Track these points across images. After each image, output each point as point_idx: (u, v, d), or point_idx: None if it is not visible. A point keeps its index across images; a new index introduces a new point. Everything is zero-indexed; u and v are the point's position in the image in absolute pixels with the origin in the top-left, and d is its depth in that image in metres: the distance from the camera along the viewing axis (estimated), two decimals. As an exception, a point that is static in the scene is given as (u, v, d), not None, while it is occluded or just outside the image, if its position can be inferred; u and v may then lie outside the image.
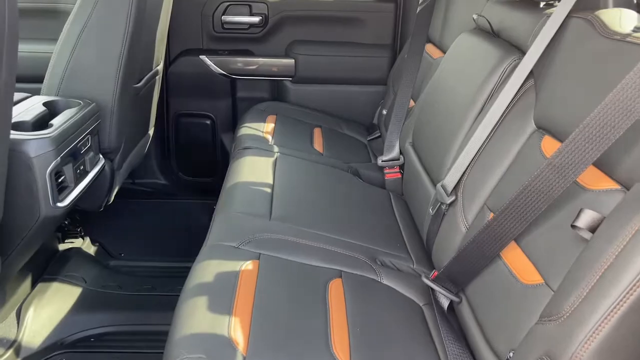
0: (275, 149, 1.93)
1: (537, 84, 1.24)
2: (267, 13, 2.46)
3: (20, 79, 2.28)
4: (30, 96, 1.68)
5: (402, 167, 1.94)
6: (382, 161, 1.96)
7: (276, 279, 1.21)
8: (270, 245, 1.33)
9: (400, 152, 1.95)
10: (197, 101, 2.54)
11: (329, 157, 2.01)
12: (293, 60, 2.48)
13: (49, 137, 1.39)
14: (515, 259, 1.05)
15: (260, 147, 1.92)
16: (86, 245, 2.03)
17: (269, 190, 1.58)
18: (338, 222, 1.53)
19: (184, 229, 2.26)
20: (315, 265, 1.30)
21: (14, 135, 1.35)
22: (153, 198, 2.56)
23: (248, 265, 1.22)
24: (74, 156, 1.53)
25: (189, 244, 2.16)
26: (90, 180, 1.65)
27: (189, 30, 2.47)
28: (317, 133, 2.26)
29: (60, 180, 1.48)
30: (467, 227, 1.26)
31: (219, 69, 2.47)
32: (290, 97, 2.52)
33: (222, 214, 1.46)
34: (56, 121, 1.49)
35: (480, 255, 1.11)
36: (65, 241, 1.97)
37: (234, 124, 2.60)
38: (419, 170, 1.66)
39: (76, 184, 1.56)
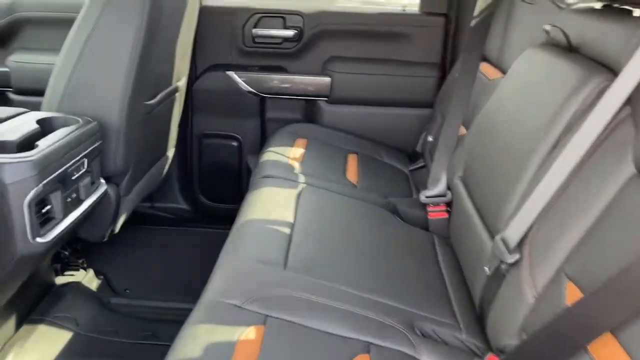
0: (301, 178, 1.68)
1: (637, 113, 0.94)
2: (302, 26, 2.22)
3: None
4: (27, 112, 1.49)
5: (449, 204, 1.65)
6: (426, 197, 1.67)
7: (283, 354, 0.94)
8: (282, 304, 1.07)
9: (448, 188, 1.66)
10: (222, 121, 2.32)
11: (363, 190, 1.74)
12: (329, 78, 2.23)
13: (29, 160, 1.18)
14: (609, 357, 0.75)
15: (284, 175, 1.66)
16: (88, 278, 1.81)
17: (287, 230, 1.32)
18: (369, 274, 1.25)
19: (200, 264, 2.01)
20: (337, 335, 1.02)
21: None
22: (171, 225, 2.34)
23: (249, 333, 0.96)
24: (64, 182, 1.32)
25: (202, 283, 1.92)
26: (85, 211, 1.43)
27: (217, 44, 2.27)
28: (352, 161, 1.99)
29: (44, 210, 1.27)
30: (536, 297, 0.96)
31: (248, 87, 2.24)
32: (324, 119, 2.26)
33: (227, 259, 1.21)
34: (43, 142, 1.28)
35: (557, 344, 0.81)
36: (65, 273, 1.76)
37: (262, 147, 2.37)
38: (470, 212, 1.37)
39: (65, 214, 1.34)
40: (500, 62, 1.72)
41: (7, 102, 2.30)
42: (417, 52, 2.23)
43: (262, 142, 2.35)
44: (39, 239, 1.23)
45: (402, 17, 2.23)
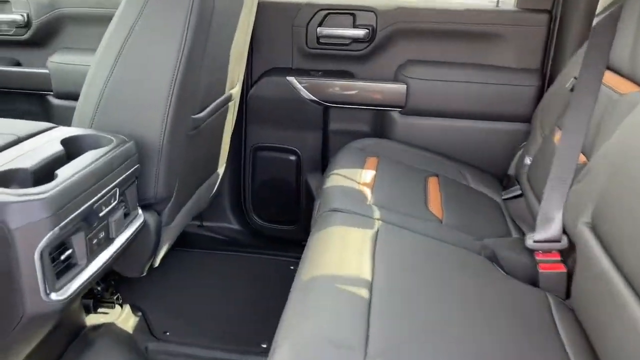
0: (376, 212, 1.36)
1: None
2: (375, 25, 1.91)
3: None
4: (54, 127, 1.25)
5: (563, 252, 1.30)
6: (534, 241, 1.33)
7: None
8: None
9: (564, 231, 1.31)
10: (279, 132, 2.04)
11: (451, 228, 1.41)
12: (404, 85, 1.90)
13: (41, 198, 0.92)
14: None
15: (355, 209, 1.36)
16: (124, 317, 1.57)
17: (365, 294, 1.01)
18: (473, 356, 0.93)
19: (253, 302, 1.75)
20: None
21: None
22: (220, 248, 2.08)
23: None
24: (89, 220, 1.06)
25: (255, 329, 1.66)
26: (117, 251, 1.18)
27: (276, 45, 1.99)
28: (433, 185, 1.66)
29: (63, 257, 1.01)
30: None
31: (310, 95, 1.95)
32: (397, 133, 1.94)
33: (290, 334, 0.91)
34: (65, 170, 1.02)
35: None
36: (98, 311, 1.52)
37: (323, 163, 2.08)
38: (610, 276, 1.02)
39: (90, 259, 1.09)
40: (635, 71, 1.35)
41: (47, 107, 2.11)
42: (513, 56, 1.87)
43: (323, 157, 2.06)
44: (54, 295, 0.97)
45: (496, 15, 1.87)
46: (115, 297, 1.55)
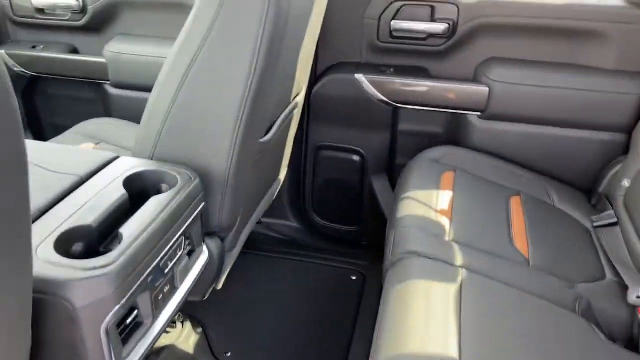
0: (458, 256, 1.24)
1: None
2: (456, 19, 1.71)
3: (143, 88, 1.78)
4: (116, 158, 1.17)
5: (672, 312, 1.16)
6: (637, 297, 1.19)
7: None
8: None
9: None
10: (343, 131, 1.91)
11: (540, 272, 1.27)
12: (486, 87, 1.72)
13: (107, 273, 0.85)
14: None
15: (435, 253, 1.23)
16: (185, 336, 1.53)
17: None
18: None
19: (319, 314, 1.69)
20: None
21: (49, 269, 0.83)
22: (278, 250, 2.02)
23: None
24: (154, 279, 0.99)
25: (316, 348, 1.60)
26: (183, 299, 1.11)
27: (345, 39, 1.82)
28: (516, 208, 1.51)
29: (129, 320, 0.95)
30: None
31: (379, 94, 1.80)
32: (475, 140, 1.77)
33: None
34: (128, 230, 0.94)
35: None
36: (160, 329, 1.48)
37: (390, 165, 1.94)
38: None
39: (156, 316, 1.03)
40: None
41: (104, 95, 2.04)
42: (614, 58, 1.65)
43: (390, 160, 1.93)
44: (120, 365, 0.92)
45: (598, 11, 1.63)
46: (176, 315, 1.51)
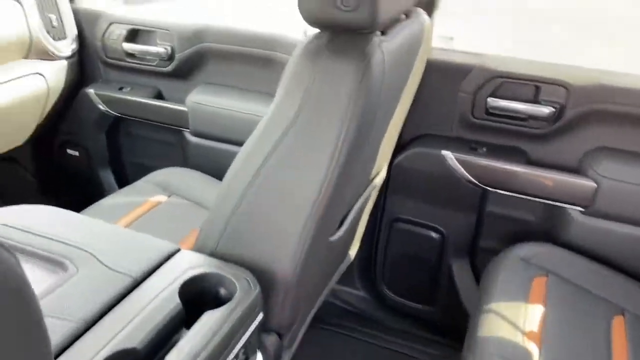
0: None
1: None
2: (564, 102, 1.52)
3: (220, 139, 1.71)
4: (176, 252, 1.10)
5: None
6: None
7: None
8: None
9: None
10: (424, 206, 1.76)
11: None
12: (593, 183, 1.51)
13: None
14: None
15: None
16: None
17: None
18: None
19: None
20: None
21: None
22: (347, 326, 1.90)
23: None
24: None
25: None
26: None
27: (435, 109, 1.68)
28: (619, 333, 1.30)
29: None
30: None
31: (467, 174, 1.63)
32: (573, 236, 1.56)
33: None
34: (179, 353, 0.86)
35: None
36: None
37: (472, 247, 1.77)
38: None
39: None
40: None
41: (183, 142, 2.02)
42: None
43: (474, 240, 1.76)
44: None
45: None
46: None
